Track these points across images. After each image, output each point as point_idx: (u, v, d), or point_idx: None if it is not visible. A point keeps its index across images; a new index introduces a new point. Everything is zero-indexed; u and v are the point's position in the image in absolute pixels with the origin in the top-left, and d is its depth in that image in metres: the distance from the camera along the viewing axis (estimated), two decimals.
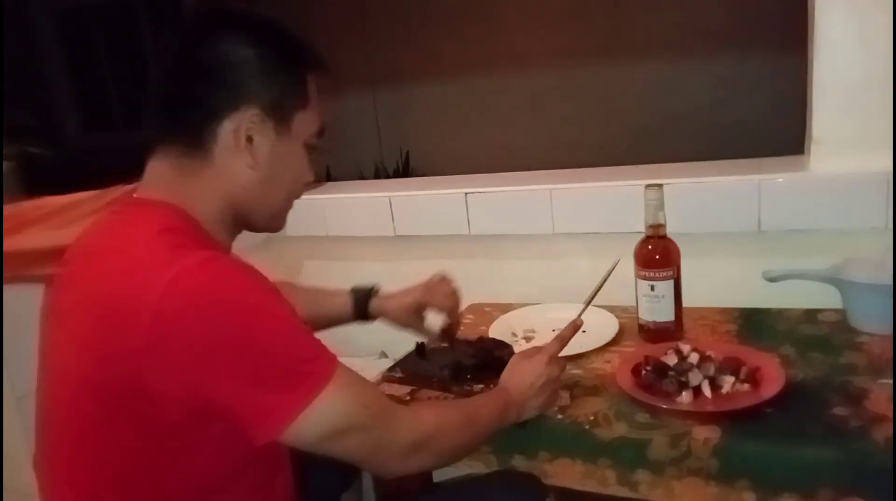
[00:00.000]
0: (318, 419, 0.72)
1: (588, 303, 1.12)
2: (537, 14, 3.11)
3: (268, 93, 0.80)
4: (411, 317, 1.21)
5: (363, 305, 1.21)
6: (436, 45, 3.29)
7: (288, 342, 0.73)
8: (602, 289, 1.41)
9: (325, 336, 1.86)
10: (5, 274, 1.17)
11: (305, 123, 0.84)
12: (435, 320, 1.24)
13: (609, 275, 1.11)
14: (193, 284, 0.69)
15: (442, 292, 1.21)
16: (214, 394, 0.70)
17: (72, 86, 3.86)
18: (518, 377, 0.99)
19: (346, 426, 0.75)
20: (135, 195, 0.82)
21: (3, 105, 1.81)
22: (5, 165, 2.04)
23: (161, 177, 0.82)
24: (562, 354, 1.06)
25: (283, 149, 0.83)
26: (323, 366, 0.74)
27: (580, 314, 1.09)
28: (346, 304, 1.22)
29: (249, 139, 0.79)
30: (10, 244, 1.19)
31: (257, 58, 0.79)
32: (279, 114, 0.81)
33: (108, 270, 0.74)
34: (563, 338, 1.04)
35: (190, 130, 0.80)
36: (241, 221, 0.86)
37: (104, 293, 0.72)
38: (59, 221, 1.27)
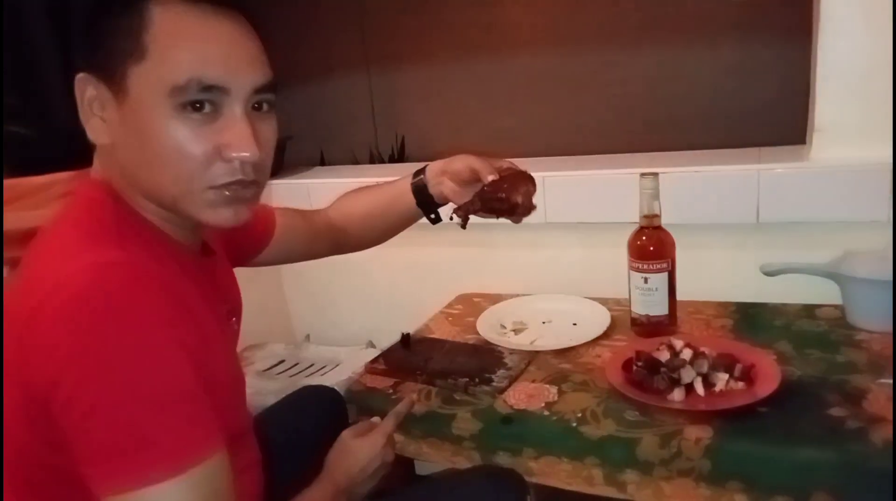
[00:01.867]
0: None
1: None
2: None
3: (91, 52, 0.66)
4: (470, 182, 1.00)
5: (422, 184, 1.04)
6: (433, 29, 3.23)
7: (148, 402, 0.58)
8: (592, 280, 1.38)
9: (322, 328, 1.79)
10: None
11: (150, 78, 0.65)
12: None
13: None
14: (77, 289, 0.58)
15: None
16: (61, 420, 0.58)
17: (60, 65, 3.81)
18: (350, 461, 0.88)
19: None
20: (87, 177, 0.74)
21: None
22: None
23: (97, 157, 0.74)
24: (552, 347, 1.03)
25: (134, 116, 0.66)
26: (167, 455, 0.58)
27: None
28: (406, 189, 1.06)
29: (97, 108, 0.67)
30: None
31: (85, 9, 0.67)
32: (107, 74, 0.66)
33: (26, 259, 0.68)
34: (398, 414, 0.95)
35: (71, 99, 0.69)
36: (167, 208, 0.71)
37: (18, 286, 0.65)
38: (31, 201, 1.22)
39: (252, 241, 1.03)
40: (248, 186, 0.70)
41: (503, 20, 3.12)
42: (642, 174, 1.15)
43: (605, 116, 2.89)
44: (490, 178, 0.96)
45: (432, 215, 1.08)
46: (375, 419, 0.96)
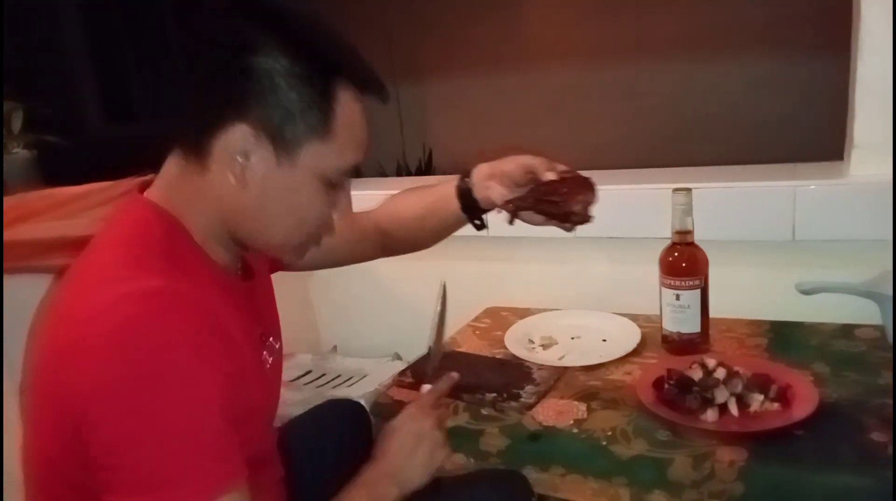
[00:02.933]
0: None
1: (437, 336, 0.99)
2: (563, 11, 3.04)
3: (269, 112, 0.67)
4: (522, 175, 0.96)
5: (466, 189, 1.00)
6: (460, 42, 3.24)
7: (171, 435, 0.59)
8: (621, 296, 1.36)
9: (349, 339, 1.79)
10: (8, 264, 1.15)
11: (323, 156, 0.70)
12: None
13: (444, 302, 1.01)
14: (115, 319, 0.60)
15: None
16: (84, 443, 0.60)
17: (94, 75, 3.87)
18: (388, 444, 0.83)
19: None
20: (144, 193, 0.76)
21: (2, 89, 1.80)
22: (24, 153, 2.03)
23: (166, 176, 0.75)
24: (581, 363, 1.01)
25: (284, 178, 0.70)
26: (189, 494, 0.59)
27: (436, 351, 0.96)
28: (451, 193, 1.01)
29: (246, 157, 0.68)
30: (13, 234, 1.16)
31: (266, 67, 0.67)
32: (280, 138, 0.68)
33: (72, 274, 0.70)
34: (438, 389, 0.91)
35: (189, 133, 0.71)
36: (241, 243, 0.76)
37: (61, 299, 0.67)
38: (65, 211, 1.24)
39: None
40: None
41: (531, 34, 3.13)
42: (675, 190, 1.13)
43: (633, 130, 2.87)
44: (549, 176, 0.92)
45: (477, 222, 1.03)
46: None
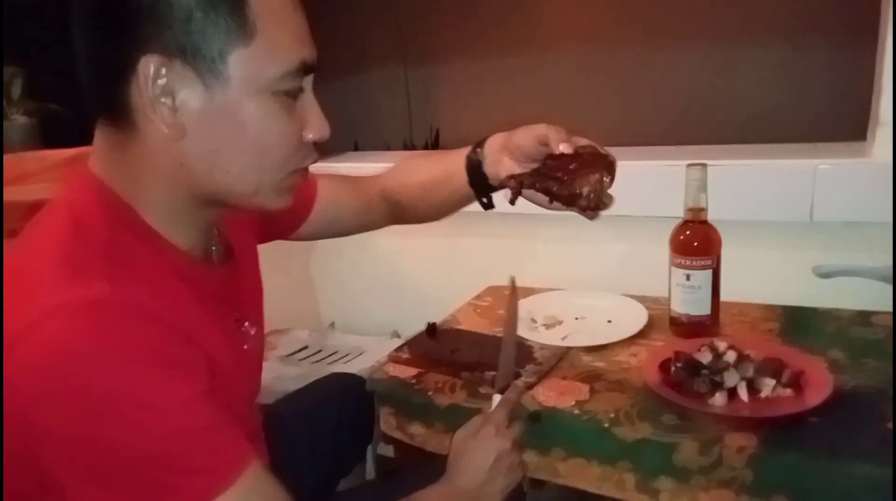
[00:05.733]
0: None
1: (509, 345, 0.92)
2: None
3: (170, 30, 0.55)
4: (536, 148, 0.84)
5: (476, 161, 0.90)
6: (470, 21, 3.18)
7: (155, 446, 0.53)
8: (629, 277, 1.31)
9: (347, 315, 1.76)
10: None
11: (255, 62, 0.58)
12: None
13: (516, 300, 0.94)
14: (58, 331, 0.51)
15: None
16: (60, 480, 0.53)
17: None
18: (466, 462, 0.78)
19: None
20: (81, 167, 0.65)
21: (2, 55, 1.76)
22: (24, 120, 2.00)
23: (99, 151, 0.63)
24: (585, 344, 0.97)
25: (223, 105, 0.58)
26: (199, 487, 0.54)
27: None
28: (461, 164, 0.91)
29: (169, 95, 0.57)
30: (7, 195, 1.13)
31: None
32: (197, 57, 0.56)
33: (7, 267, 0.58)
34: (509, 401, 0.84)
35: (98, 91, 0.60)
36: (213, 202, 0.64)
37: None
38: (58, 173, 1.21)
39: (290, 214, 0.91)
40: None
41: (543, 14, 3.06)
42: (689, 165, 1.08)
43: (647, 113, 2.81)
44: (563, 148, 0.79)
45: (484, 200, 0.92)
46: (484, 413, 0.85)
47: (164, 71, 0.56)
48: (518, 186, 0.82)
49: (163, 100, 0.57)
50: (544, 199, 0.84)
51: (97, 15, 0.58)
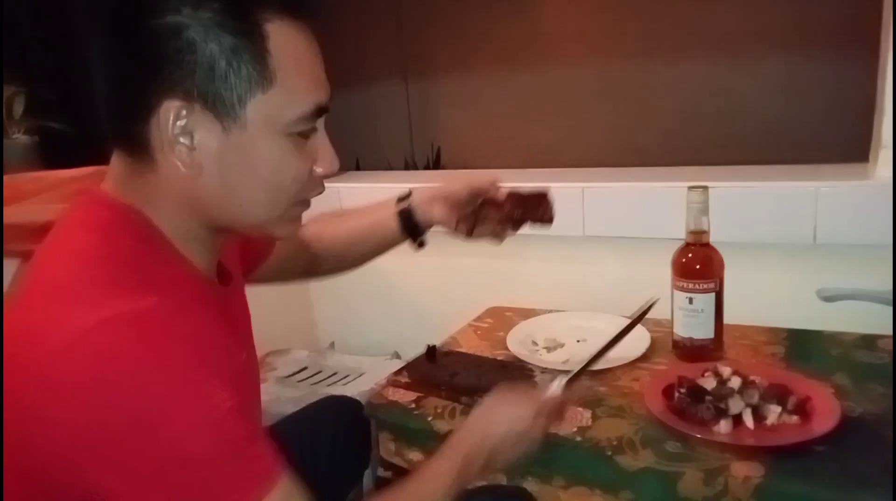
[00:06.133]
0: None
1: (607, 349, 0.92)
2: (577, 9, 2.98)
3: (192, 76, 0.58)
4: (468, 203, 0.99)
5: (407, 211, 1.00)
6: (472, 39, 3.19)
7: (193, 456, 0.54)
8: (631, 299, 1.30)
9: (347, 336, 1.75)
10: None
11: (273, 107, 0.61)
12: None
13: (642, 317, 0.96)
14: (101, 347, 0.52)
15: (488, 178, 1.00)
16: (103, 491, 0.54)
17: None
18: (495, 420, 0.78)
19: None
20: (98, 189, 0.66)
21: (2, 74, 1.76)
22: (24, 139, 2.00)
23: (116, 173, 0.65)
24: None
25: (240, 147, 0.61)
26: (251, 486, 0.56)
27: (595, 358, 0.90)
28: (389, 215, 1.01)
29: (188, 136, 0.59)
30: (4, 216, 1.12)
31: (172, 23, 0.57)
32: (217, 102, 0.59)
33: (25, 290, 0.58)
34: (570, 396, 0.84)
35: (118, 127, 0.62)
36: (224, 229, 0.67)
37: (11, 319, 0.57)
38: (56, 195, 1.20)
39: (259, 252, 0.94)
40: None
41: (544, 31, 3.07)
42: (690, 188, 1.08)
43: (647, 131, 2.80)
44: (502, 194, 0.97)
45: (418, 241, 1.03)
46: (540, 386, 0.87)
47: (184, 114, 0.59)
48: (469, 230, 0.99)
49: (181, 140, 0.60)
50: (489, 229, 1.01)
51: (124, 57, 0.60)
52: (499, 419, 0.78)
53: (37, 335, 0.54)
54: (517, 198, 0.97)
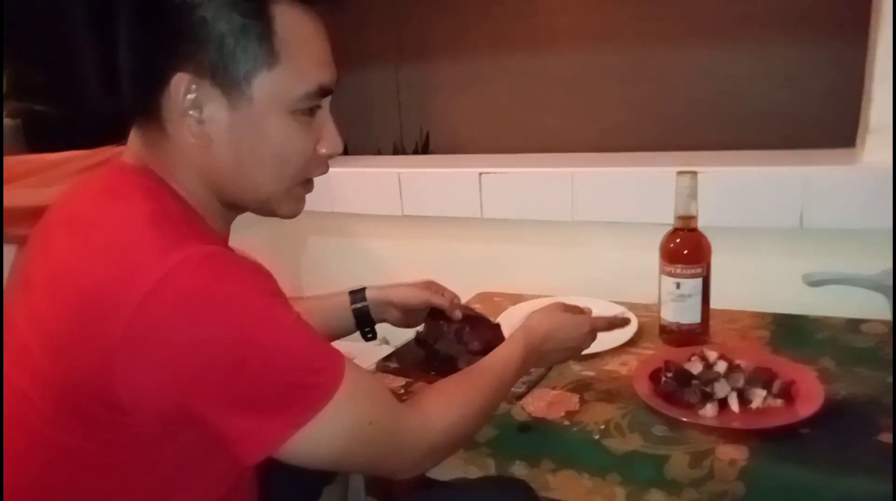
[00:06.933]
0: (311, 443, 0.63)
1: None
2: None
3: (202, 51, 0.63)
4: (421, 311, 1.09)
5: (360, 298, 1.08)
6: (462, 24, 3.16)
7: (289, 357, 0.62)
8: (619, 283, 1.31)
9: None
10: None
11: (278, 85, 0.65)
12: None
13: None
14: (189, 282, 0.58)
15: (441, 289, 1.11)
16: (195, 409, 0.60)
17: (95, 45, 3.78)
18: (552, 326, 0.91)
19: (345, 449, 0.66)
20: (121, 160, 0.71)
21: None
22: (8, 121, 1.97)
23: (135, 148, 0.70)
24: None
25: (246, 122, 0.65)
26: (326, 381, 0.63)
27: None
28: (343, 304, 1.09)
29: (198, 109, 0.64)
30: None
31: (188, 6, 0.62)
32: (225, 78, 0.64)
33: (87, 250, 0.63)
34: (612, 322, 1.00)
35: (133, 97, 0.67)
36: (230, 204, 0.72)
37: (80, 277, 0.61)
38: (43, 178, 1.19)
39: None
40: None
41: (536, 16, 3.05)
42: (679, 172, 1.08)
43: (638, 115, 2.80)
44: (456, 315, 1.06)
45: (370, 334, 1.11)
46: (587, 309, 0.99)
47: (193, 87, 0.64)
48: (431, 344, 1.09)
49: (191, 112, 0.64)
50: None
51: (141, 31, 0.65)
52: (558, 327, 0.91)
53: (123, 281, 0.58)
54: (471, 321, 1.07)
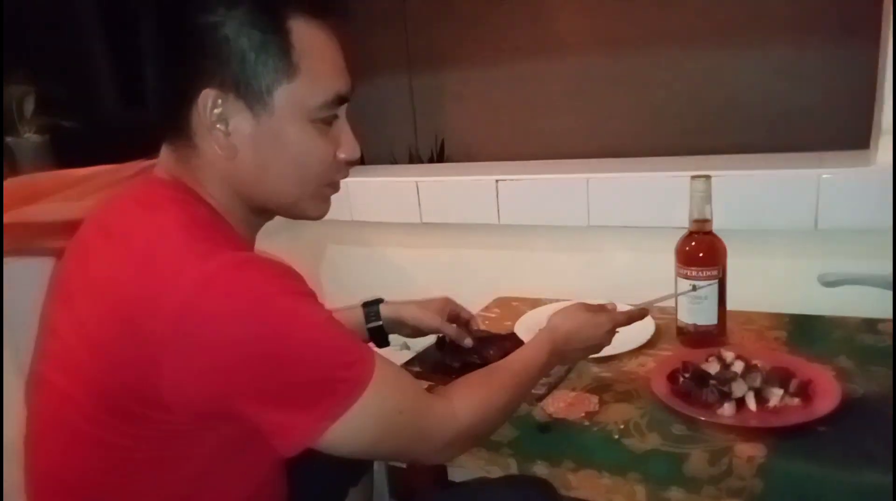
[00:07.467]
0: (345, 433, 0.66)
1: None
2: (581, 1, 2.99)
3: (226, 68, 0.67)
4: (435, 316, 1.10)
5: (374, 314, 1.11)
6: (475, 32, 3.20)
7: (323, 353, 0.66)
8: (636, 287, 1.32)
9: None
10: (15, 246, 1.13)
11: (297, 95, 0.69)
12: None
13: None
14: (228, 286, 0.62)
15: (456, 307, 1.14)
16: (236, 405, 0.64)
17: (112, 59, 3.83)
18: (574, 326, 0.94)
19: (377, 437, 0.70)
20: (154, 174, 0.76)
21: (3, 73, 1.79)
22: (36, 138, 2.03)
23: (166, 162, 0.75)
24: (595, 355, 1.00)
25: (269, 132, 0.70)
26: (358, 375, 0.67)
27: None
28: (357, 318, 1.11)
29: (224, 122, 0.69)
30: (21, 215, 1.15)
31: (209, 21, 0.66)
32: (248, 92, 0.68)
33: (127, 258, 0.67)
34: (632, 315, 1.00)
35: (163, 114, 0.72)
36: (260, 210, 0.76)
37: (122, 284, 0.65)
38: (73, 193, 1.23)
39: None
40: None
41: (548, 23, 3.08)
42: (693, 177, 1.10)
43: (650, 120, 2.82)
44: (466, 342, 1.09)
45: (382, 343, 1.12)
46: (610, 305, 1.01)
47: (219, 102, 0.68)
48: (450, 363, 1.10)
49: (218, 126, 0.69)
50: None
51: (169, 51, 0.70)
52: (580, 327, 0.94)
53: (165, 286, 0.62)
54: (483, 342, 1.11)
